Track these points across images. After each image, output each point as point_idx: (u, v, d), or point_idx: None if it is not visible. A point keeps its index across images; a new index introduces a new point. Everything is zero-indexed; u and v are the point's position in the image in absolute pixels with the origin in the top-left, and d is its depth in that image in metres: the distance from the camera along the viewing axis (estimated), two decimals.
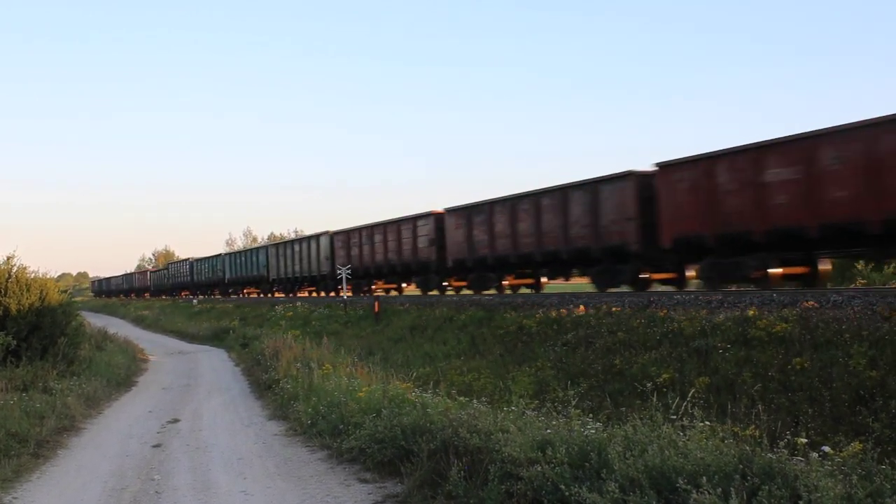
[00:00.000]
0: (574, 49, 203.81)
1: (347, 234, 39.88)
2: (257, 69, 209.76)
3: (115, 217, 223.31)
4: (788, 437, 6.60)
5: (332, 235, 41.72)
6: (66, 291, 21.41)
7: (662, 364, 12.64)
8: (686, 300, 16.57)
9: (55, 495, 9.44)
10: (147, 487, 9.60)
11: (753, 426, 7.49)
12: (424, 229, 32.92)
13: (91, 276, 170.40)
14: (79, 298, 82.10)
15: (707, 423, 7.23)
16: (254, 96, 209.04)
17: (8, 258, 18.79)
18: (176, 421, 14.39)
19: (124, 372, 21.26)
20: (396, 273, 35.91)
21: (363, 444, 10.00)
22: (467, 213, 29.76)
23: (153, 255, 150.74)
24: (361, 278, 38.76)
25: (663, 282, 23.01)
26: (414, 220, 33.83)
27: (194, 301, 61.17)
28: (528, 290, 28.35)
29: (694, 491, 5.57)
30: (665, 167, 20.96)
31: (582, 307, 18.26)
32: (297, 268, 46.25)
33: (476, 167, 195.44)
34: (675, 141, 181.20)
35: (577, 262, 24.90)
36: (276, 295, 51.29)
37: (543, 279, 28.22)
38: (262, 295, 54.52)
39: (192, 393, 18.29)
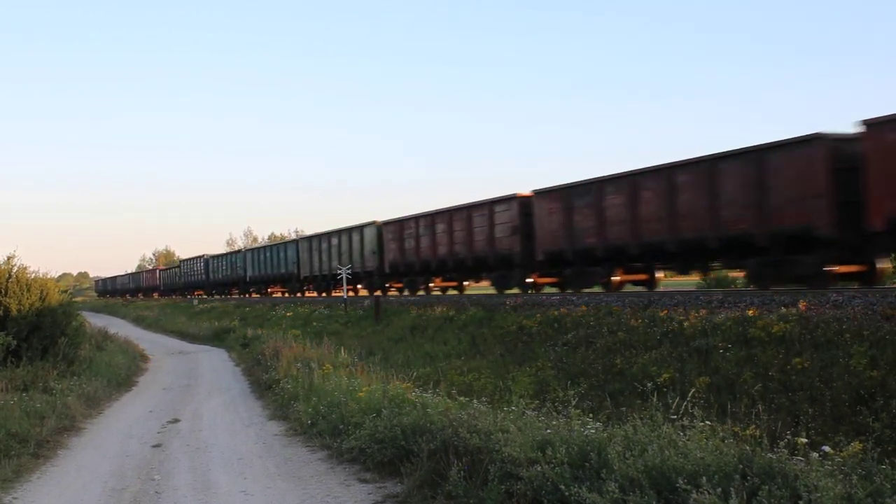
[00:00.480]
0: (574, 49, 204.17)
1: (400, 224, 34.97)
2: (257, 69, 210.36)
3: (115, 217, 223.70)
4: (789, 436, 6.59)
5: (381, 226, 37.03)
6: (66, 291, 21.40)
7: (663, 364, 12.64)
8: (686, 300, 16.57)
9: (55, 495, 9.44)
10: (147, 487, 9.60)
11: (754, 426, 7.49)
12: (505, 215, 27.73)
13: (92, 275, 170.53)
14: (79, 298, 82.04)
15: (707, 422, 7.23)
16: (253, 96, 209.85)
17: (8, 258, 18.79)
18: (176, 421, 14.39)
19: (125, 372, 21.25)
20: (466, 268, 30.68)
21: (363, 444, 10.00)
22: (566, 194, 24.69)
23: (153, 254, 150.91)
24: (418, 274, 34.12)
25: (847, 276, 18.41)
26: (490, 205, 28.65)
27: (195, 301, 61.05)
28: (638, 289, 24.18)
29: (694, 491, 5.56)
30: (880, 125, 16.10)
31: (583, 307, 18.24)
32: (334, 263, 40.96)
33: (476, 167, 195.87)
34: (676, 141, 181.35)
35: (728, 253, 19.95)
36: (308, 294, 47.48)
37: (660, 274, 23.95)
38: (289, 294, 50.70)
39: (192, 393, 18.28)
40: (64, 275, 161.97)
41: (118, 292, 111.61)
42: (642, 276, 24.01)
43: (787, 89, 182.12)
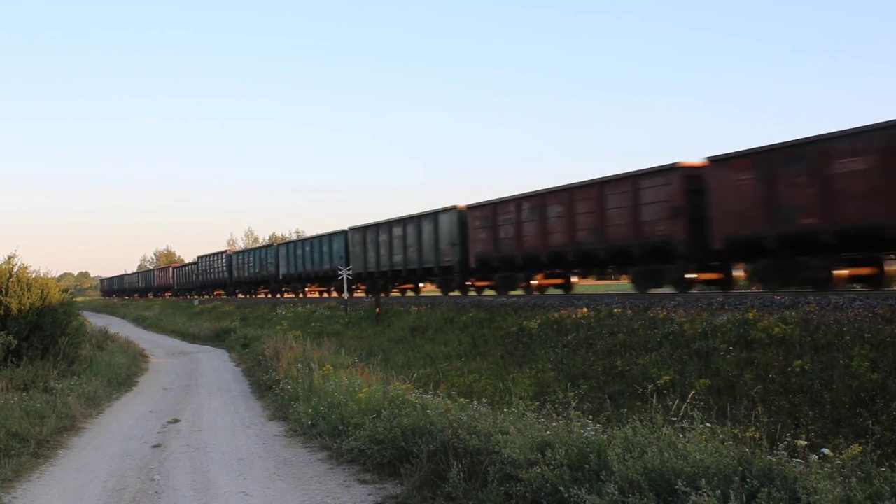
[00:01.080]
0: (575, 50, 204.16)
1: (493, 207, 28.37)
2: (257, 71, 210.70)
3: (116, 218, 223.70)
4: (789, 439, 6.60)
5: (465, 211, 30.47)
6: (67, 291, 21.40)
7: (663, 366, 12.63)
8: (687, 302, 16.55)
9: (55, 495, 9.44)
10: (147, 488, 9.60)
11: (753, 428, 7.49)
12: (658, 192, 21.31)
13: (93, 275, 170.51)
14: (80, 298, 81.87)
15: (708, 424, 7.24)
16: (254, 98, 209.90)
17: (9, 258, 18.83)
18: (176, 421, 14.39)
19: (125, 372, 21.25)
20: (595, 261, 24.09)
21: (363, 445, 10.00)
22: (764, 161, 18.46)
23: (154, 254, 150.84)
24: (518, 269, 27.32)
25: None
26: (633, 179, 22.14)
27: (195, 301, 60.98)
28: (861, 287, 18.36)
29: (693, 493, 5.56)
30: None
31: (584, 309, 18.22)
32: (397, 258, 35.08)
33: (476, 169, 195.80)
34: (677, 144, 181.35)
35: None
36: (358, 294, 40.97)
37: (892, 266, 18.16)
38: (329, 294, 45.37)
39: (192, 393, 18.28)
40: (65, 274, 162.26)
41: (126, 292, 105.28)
42: (868, 270, 18.17)
43: (786, 91, 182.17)
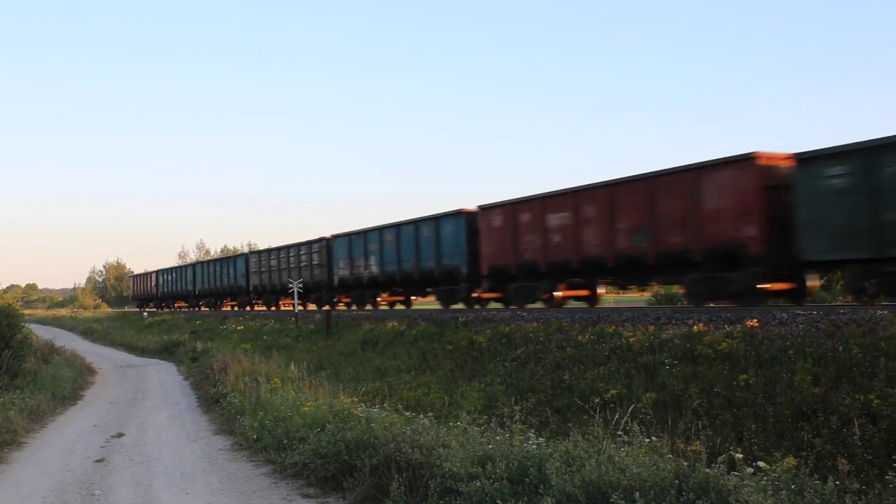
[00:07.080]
0: (547, 63, 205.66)
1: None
2: (209, 84, 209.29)
3: (62, 229, 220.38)
4: (731, 452, 6.68)
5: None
6: (10, 305, 21.05)
7: (611, 379, 12.70)
8: (634, 316, 16.67)
9: None
10: (87, 502, 9.47)
11: (697, 441, 7.56)
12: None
13: (40, 287, 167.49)
14: (28, 311, 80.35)
15: (651, 438, 7.30)
16: (204, 110, 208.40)
17: None
18: (121, 435, 14.20)
19: (71, 385, 20.91)
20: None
21: (307, 459, 9.97)
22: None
23: (104, 266, 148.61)
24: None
25: None
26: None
27: (144, 314, 60.24)
28: None
29: None
30: None
31: (533, 323, 18.26)
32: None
33: (432, 183, 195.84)
34: (653, 155, 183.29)
35: None
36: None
37: None
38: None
39: (138, 407, 18.04)
40: (11, 286, 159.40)
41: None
42: None
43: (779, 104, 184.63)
